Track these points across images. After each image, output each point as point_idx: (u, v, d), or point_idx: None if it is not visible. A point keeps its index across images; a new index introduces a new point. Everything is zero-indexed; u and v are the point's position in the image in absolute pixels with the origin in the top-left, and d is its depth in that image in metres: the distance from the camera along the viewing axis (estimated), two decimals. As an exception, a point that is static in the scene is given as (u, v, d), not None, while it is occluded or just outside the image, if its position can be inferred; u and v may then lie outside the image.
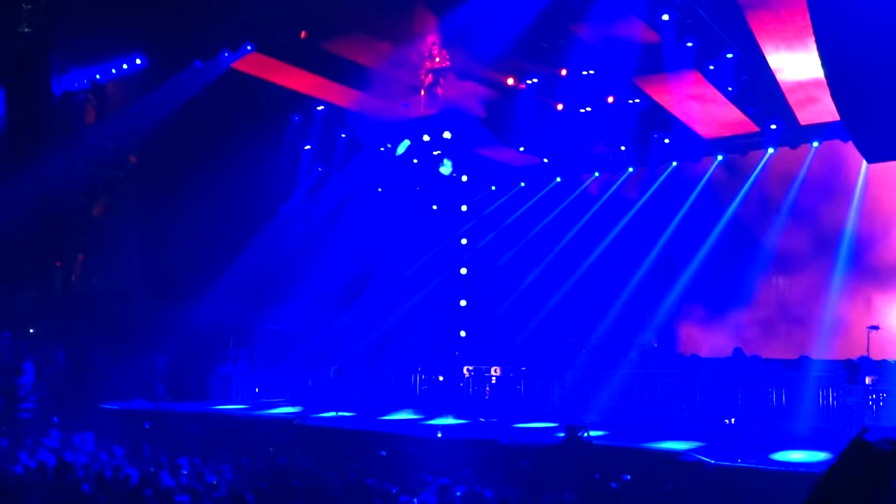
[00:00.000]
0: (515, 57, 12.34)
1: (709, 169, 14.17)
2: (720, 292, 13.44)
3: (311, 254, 14.51)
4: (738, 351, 11.62)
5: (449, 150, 13.98)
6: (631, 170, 15.42)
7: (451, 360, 13.05)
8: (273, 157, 14.72)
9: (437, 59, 12.51)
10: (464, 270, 14.07)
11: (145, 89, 13.53)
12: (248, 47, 12.96)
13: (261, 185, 14.31)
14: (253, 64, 13.32)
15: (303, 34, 12.25)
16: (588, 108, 13.80)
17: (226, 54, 13.19)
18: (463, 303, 14.10)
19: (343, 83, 13.40)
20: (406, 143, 13.85)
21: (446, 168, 13.98)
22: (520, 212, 16.11)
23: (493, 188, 16.43)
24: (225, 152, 13.53)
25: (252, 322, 14.22)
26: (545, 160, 15.82)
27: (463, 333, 13.86)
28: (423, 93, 12.53)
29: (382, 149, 14.26)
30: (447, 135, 13.81)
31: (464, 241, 14.47)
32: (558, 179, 16.23)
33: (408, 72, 12.57)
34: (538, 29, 11.43)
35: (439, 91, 12.65)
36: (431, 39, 12.15)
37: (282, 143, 14.91)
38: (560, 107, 13.89)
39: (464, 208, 14.85)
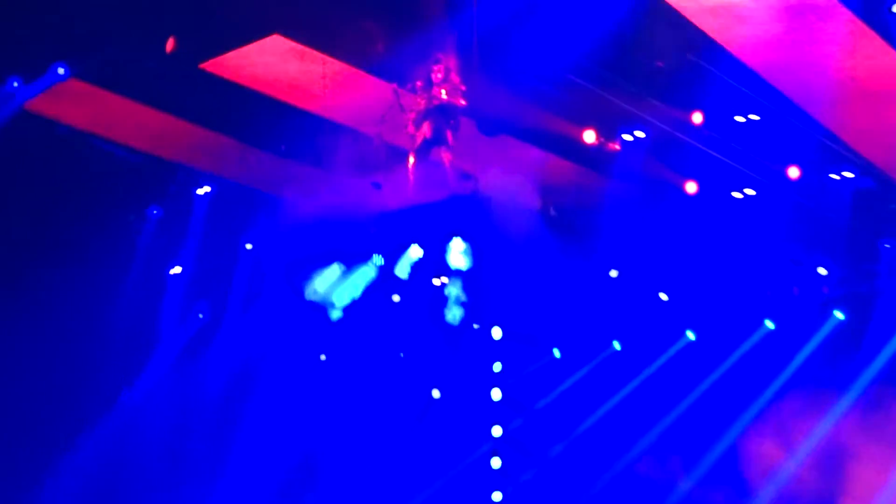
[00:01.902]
0: (599, 87, 10.74)
1: None
2: None
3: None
4: None
5: (465, 276, 11.73)
6: (841, 316, 13.22)
7: None
8: (109, 291, 13.38)
9: (444, 91, 10.43)
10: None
11: None
12: (61, 70, 11.01)
13: (86, 347, 13.10)
14: (67, 102, 11.61)
15: (169, 44, 10.57)
16: (749, 192, 12.32)
17: (14, 84, 11.27)
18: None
19: (246, 141, 12.20)
20: (377, 260, 11.89)
21: (454, 314, 11.82)
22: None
23: (557, 353, 13.88)
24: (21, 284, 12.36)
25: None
26: (663, 296, 13.43)
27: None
28: (410, 159, 10.71)
29: (324, 272, 12.19)
30: (459, 249, 11.45)
31: (497, 432, 12.98)
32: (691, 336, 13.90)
33: (380, 119, 10.87)
34: (648, 30, 10.10)
35: (445, 156, 10.62)
36: (437, 56, 10.47)
37: (128, 262, 13.58)
38: (692, 187, 12.08)
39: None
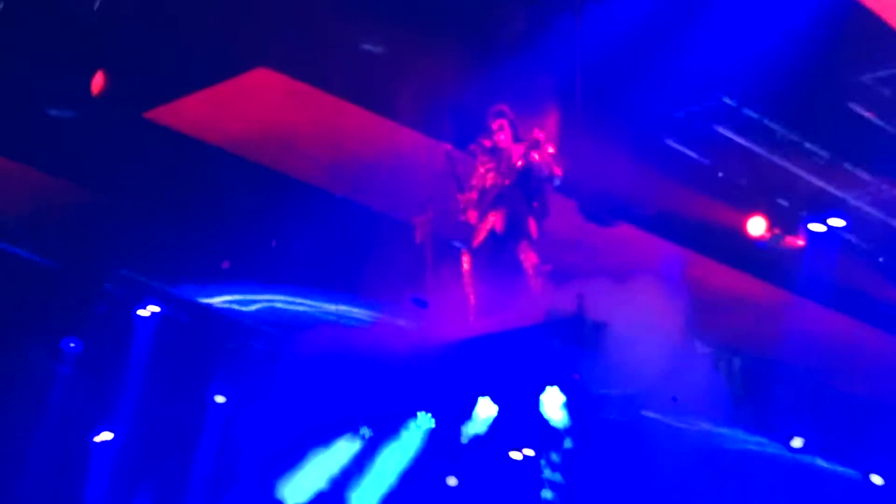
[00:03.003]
0: (769, 149, 10.37)
1: None
2: None
3: None
4: None
5: (560, 445, 11.00)
6: None
7: None
8: (5, 469, 12.62)
9: (527, 156, 9.81)
10: None
11: None
12: None
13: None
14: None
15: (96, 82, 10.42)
16: None
17: None
18: None
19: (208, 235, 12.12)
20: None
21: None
22: None
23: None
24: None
25: None
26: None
27: None
28: (467, 262, 10.14)
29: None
30: (554, 404, 10.75)
31: None
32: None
33: (424, 201, 10.48)
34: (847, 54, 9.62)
35: (527, 259, 9.85)
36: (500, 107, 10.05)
37: (33, 424, 12.75)
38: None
39: None
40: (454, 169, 9.80)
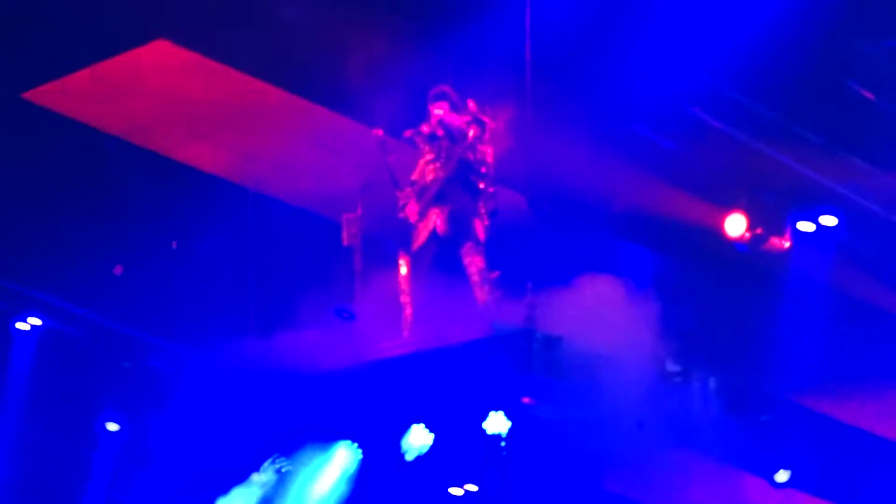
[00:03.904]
0: (751, 133, 10.62)
1: None
2: None
3: None
4: None
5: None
6: None
7: None
8: None
9: (472, 145, 10.13)
10: None
11: None
12: None
13: None
14: None
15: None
16: None
17: None
18: None
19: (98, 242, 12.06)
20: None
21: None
22: None
23: None
24: None
25: None
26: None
27: None
28: (404, 268, 10.63)
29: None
30: (496, 427, 10.80)
31: None
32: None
33: (359, 191, 10.92)
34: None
35: (471, 263, 10.15)
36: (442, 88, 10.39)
37: None
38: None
39: None
40: (387, 159, 9.83)
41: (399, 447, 10.71)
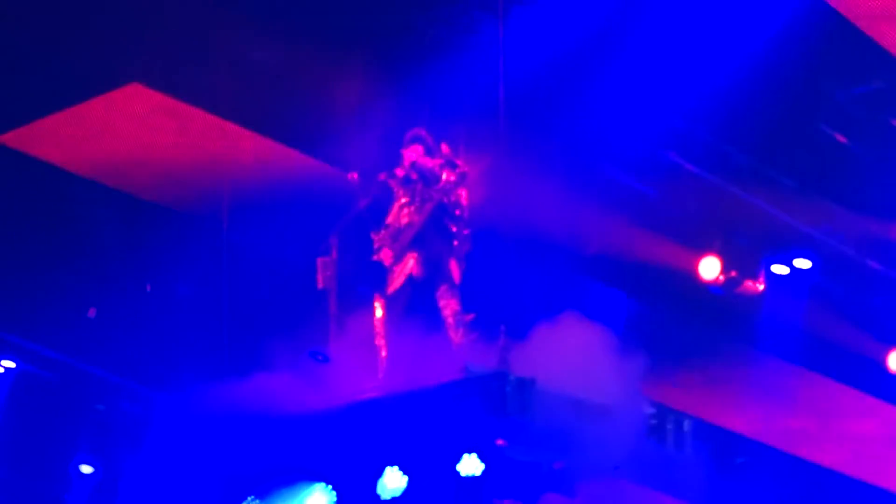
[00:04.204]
0: (725, 177, 10.78)
1: None
2: None
3: None
4: None
5: None
6: None
7: None
8: None
9: (448, 187, 10.20)
10: None
11: None
12: None
13: None
14: None
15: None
16: None
17: None
18: None
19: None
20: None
21: None
22: None
23: None
24: None
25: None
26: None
27: None
28: (379, 310, 10.51)
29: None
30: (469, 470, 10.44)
31: None
32: None
33: (329, 237, 10.58)
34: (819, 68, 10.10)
35: (446, 306, 10.05)
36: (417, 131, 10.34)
37: None
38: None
39: None
40: (362, 203, 9.77)
41: (374, 489, 10.46)
